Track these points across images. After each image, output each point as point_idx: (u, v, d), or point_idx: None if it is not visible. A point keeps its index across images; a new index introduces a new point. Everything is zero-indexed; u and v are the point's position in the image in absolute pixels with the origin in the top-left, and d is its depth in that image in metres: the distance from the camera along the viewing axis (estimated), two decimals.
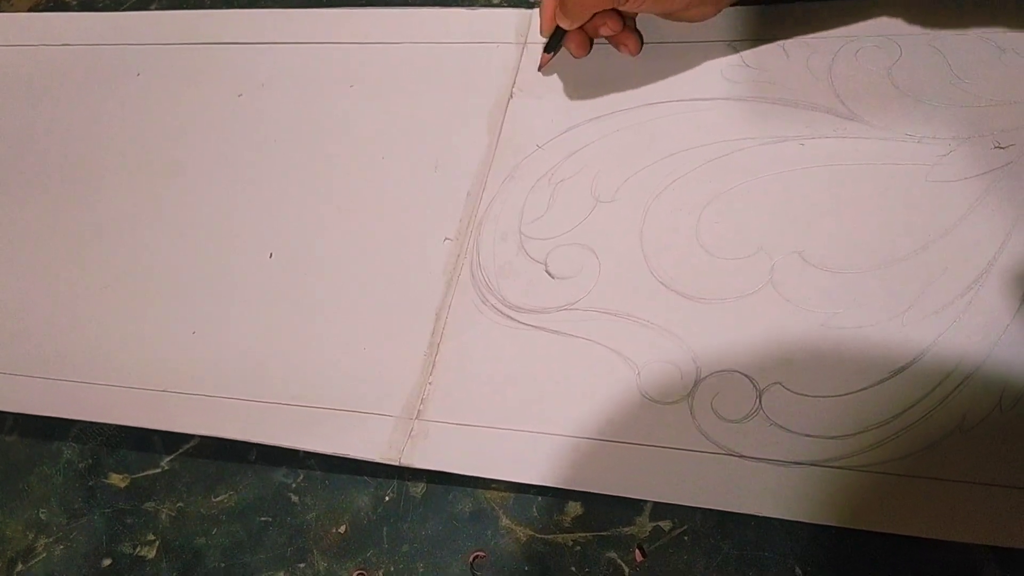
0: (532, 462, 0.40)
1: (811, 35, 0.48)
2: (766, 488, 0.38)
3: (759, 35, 0.49)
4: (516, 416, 0.42)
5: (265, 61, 0.58)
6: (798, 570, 0.37)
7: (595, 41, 0.50)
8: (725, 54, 0.49)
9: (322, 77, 0.56)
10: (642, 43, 0.50)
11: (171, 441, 0.47)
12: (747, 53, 0.49)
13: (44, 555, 0.45)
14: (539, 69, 0.52)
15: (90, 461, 0.47)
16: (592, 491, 0.39)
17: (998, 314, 0.39)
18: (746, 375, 0.40)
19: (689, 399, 0.40)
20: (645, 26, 0.50)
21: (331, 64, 0.57)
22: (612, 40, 0.50)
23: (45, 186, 0.57)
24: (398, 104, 0.54)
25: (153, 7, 0.64)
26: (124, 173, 0.56)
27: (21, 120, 0.61)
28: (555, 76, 0.52)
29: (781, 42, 0.48)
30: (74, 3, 0.66)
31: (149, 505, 0.45)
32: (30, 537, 0.46)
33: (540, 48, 0.51)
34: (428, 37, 0.56)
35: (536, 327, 0.44)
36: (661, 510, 0.39)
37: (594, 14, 0.47)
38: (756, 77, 0.48)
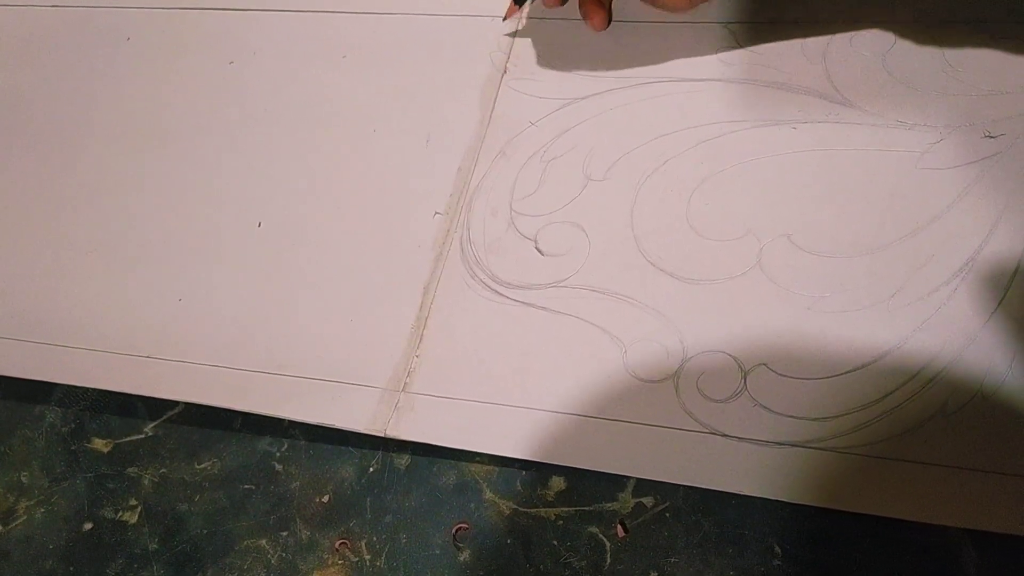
0: (517, 436, 0.41)
1: (807, 19, 0.48)
2: (748, 467, 0.38)
3: (755, 17, 0.49)
4: (502, 391, 0.42)
5: (258, 29, 0.58)
6: (777, 548, 0.37)
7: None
8: (721, 36, 0.49)
9: (315, 47, 0.56)
10: (610, 21, 0.50)
11: (155, 407, 0.46)
12: (742, 35, 0.49)
13: (25, 518, 0.45)
14: (503, 19, 0.52)
15: (73, 425, 0.47)
16: (576, 466, 0.40)
17: (983, 302, 0.39)
18: (732, 356, 0.40)
19: (675, 378, 0.40)
20: (638, 6, 0.50)
21: (324, 34, 0.56)
22: (581, 9, 0.50)
23: (32, 149, 0.57)
24: (390, 76, 0.53)
25: None
26: (112, 138, 0.56)
27: (8, 81, 0.61)
28: (550, 53, 0.52)
29: (777, 26, 0.49)
30: None
31: (132, 470, 0.45)
32: (11, 500, 0.45)
33: (536, 27, 0.51)
34: (423, 9, 0.55)
35: (524, 303, 0.44)
36: (644, 487, 0.40)
37: None
38: (751, 60, 0.48)
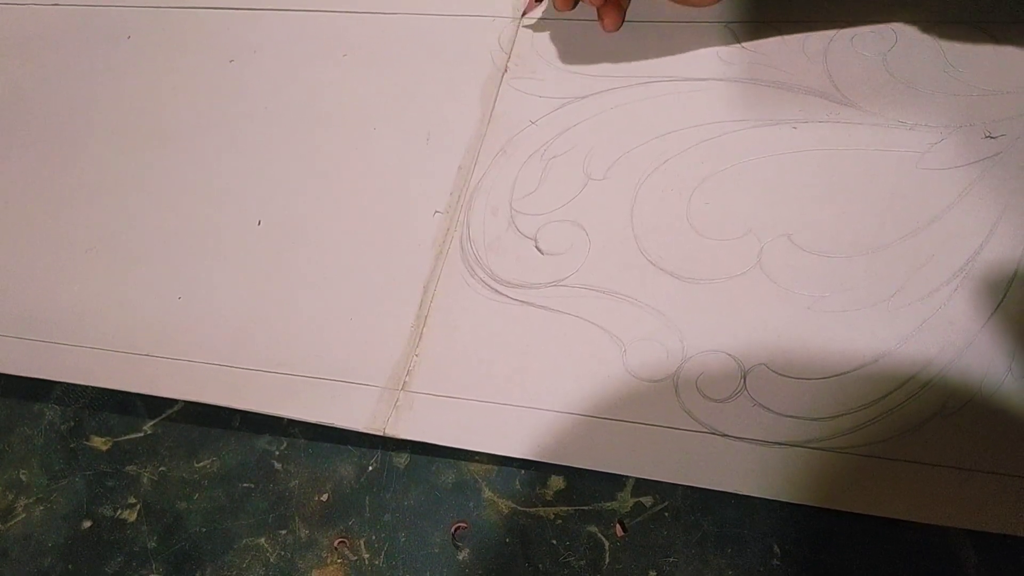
0: (516, 436, 0.41)
1: (808, 19, 0.48)
2: (747, 467, 0.38)
3: (756, 17, 0.49)
4: (501, 390, 0.42)
5: (258, 27, 0.58)
6: (776, 548, 0.37)
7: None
8: (722, 35, 0.49)
9: (315, 45, 0.56)
10: (622, 23, 0.50)
11: (154, 405, 0.46)
12: (743, 35, 0.49)
13: (24, 516, 0.45)
14: (521, 15, 0.52)
15: (72, 423, 0.47)
16: (575, 466, 0.40)
17: (983, 302, 0.39)
18: (731, 355, 0.40)
19: (674, 378, 0.40)
20: (646, 4, 0.50)
21: (325, 32, 0.56)
22: (598, 10, 0.50)
23: (32, 147, 0.57)
24: (391, 75, 0.53)
25: None
26: (112, 136, 0.56)
27: (8, 80, 0.61)
28: (550, 52, 0.52)
29: (778, 25, 0.49)
30: None
31: (131, 468, 0.45)
32: (10, 498, 0.45)
33: (537, 26, 0.51)
34: (423, 8, 0.55)
35: (524, 302, 0.44)
36: (643, 486, 0.40)
37: None
38: (752, 59, 0.48)
